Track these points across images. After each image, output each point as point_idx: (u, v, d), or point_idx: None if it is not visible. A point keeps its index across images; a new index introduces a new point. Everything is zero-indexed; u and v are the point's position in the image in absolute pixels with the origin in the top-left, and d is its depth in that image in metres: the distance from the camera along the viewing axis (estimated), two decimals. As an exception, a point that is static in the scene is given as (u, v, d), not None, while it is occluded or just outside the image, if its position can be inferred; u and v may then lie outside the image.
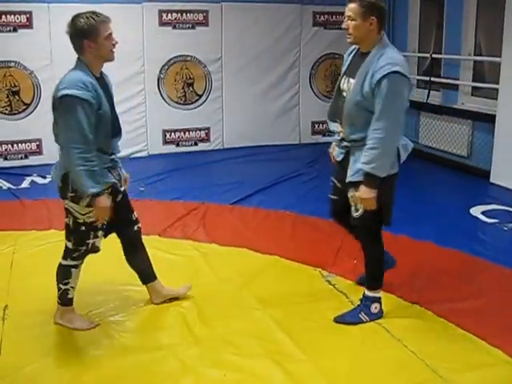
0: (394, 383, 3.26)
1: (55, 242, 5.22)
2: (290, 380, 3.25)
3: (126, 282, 4.38)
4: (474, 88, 8.00)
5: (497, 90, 7.15)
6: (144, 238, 5.34)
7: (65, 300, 3.82)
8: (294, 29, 9.21)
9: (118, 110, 8.37)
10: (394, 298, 4.20)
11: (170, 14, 8.44)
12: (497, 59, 7.13)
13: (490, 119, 7.28)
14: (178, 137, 8.90)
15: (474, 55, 7.90)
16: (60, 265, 3.78)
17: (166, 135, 8.84)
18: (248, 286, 4.42)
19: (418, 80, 9.03)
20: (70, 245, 3.72)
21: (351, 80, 3.68)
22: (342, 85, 3.80)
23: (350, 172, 3.72)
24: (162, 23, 8.46)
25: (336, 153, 3.97)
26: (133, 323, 3.93)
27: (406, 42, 9.10)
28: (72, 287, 3.80)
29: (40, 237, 5.41)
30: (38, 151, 8.25)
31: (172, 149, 8.86)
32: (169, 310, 4.06)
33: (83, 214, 3.59)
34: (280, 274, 4.67)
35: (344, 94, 3.75)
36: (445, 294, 4.24)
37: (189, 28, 8.59)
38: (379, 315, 3.90)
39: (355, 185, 3.66)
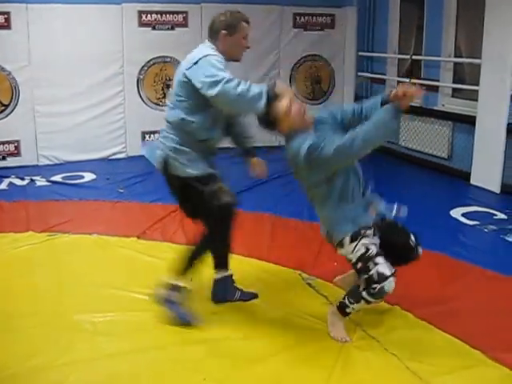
0: None
1: (33, 244, 5.29)
2: (269, 382, 3.25)
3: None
4: (454, 89, 8.06)
5: (477, 91, 7.18)
6: (122, 239, 5.34)
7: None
8: (274, 30, 9.22)
9: (96, 111, 8.42)
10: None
11: (149, 15, 8.41)
12: (477, 61, 7.17)
13: (470, 121, 7.32)
14: (158, 138, 8.83)
15: (454, 57, 7.96)
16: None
17: (145, 137, 8.79)
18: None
19: (398, 82, 9.05)
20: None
21: None
22: None
23: None
24: (142, 24, 8.42)
25: None
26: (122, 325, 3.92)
27: (386, 43, 9.15)
28: None
29: (18, 239, 5.36)
30: (16, 153, 8.16)
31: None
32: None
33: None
34: (259, 277, 4.64)
35: None
36: (425, 297, 4.24)
37: (168, 29, 8.56)
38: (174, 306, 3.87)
39: None
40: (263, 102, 3.56)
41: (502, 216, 6.07)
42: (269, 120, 3.63)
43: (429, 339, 3.70)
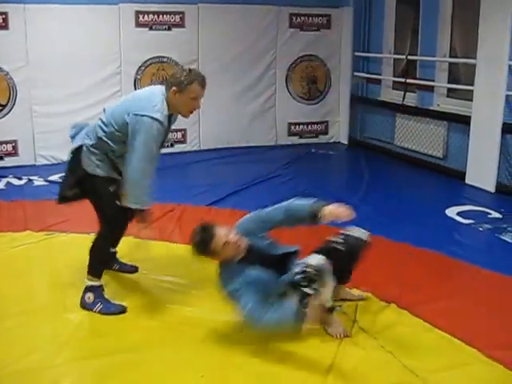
0: (371, 383, 3.26)
1: (31, 243, 5.29)
2: (267, 380, 3.26)
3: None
4: (449, 89, 8.08)
5: (472, 91, 7.21)
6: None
7: None
8: (271, 30, 9.23)
9: (93, 111, 8.44)
10: (371, 298, 4.21)
11: (146, 16, 8.42)
12: (472, 61, 7.19)
13: (465, 120, 7.35)
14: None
15: (450, 57, 7.99)
16: None
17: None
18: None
19: (393, 82, 9.09)
20: None
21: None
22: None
23: None
24: (139, 24, 8.43)
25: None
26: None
27: (382, 43, 9.17)
28: None
29: (16, 238, 5.37)
30: (14, 152, 8.17)
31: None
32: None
33: None
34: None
35: None
36: (421, 295, 4.25)
37: (165, 29, 8.57)
38: (95, 305, 4.04)
39: None
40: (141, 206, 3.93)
41: (496, 215, 6.10)
42: (207, 250, 3.61)
43: (425, 337, 3.72)
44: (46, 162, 8.25)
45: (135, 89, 8.58)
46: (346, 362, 3.44)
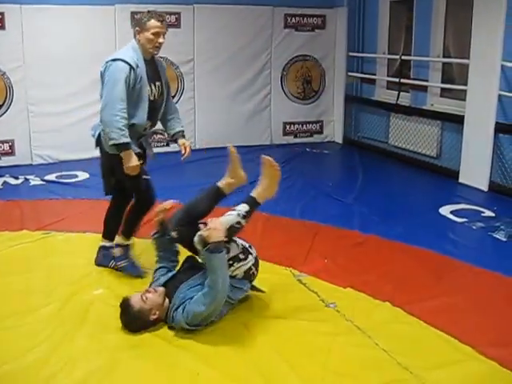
0: (365, 381, 3.27)
1: (27, 242, 5.30)
2: (263, 378, 3.26)
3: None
4: (442, 89, 8.13)
5: (465, 91, 7.25)
6: (117, 238, 5.36)
7: None
8: (266, 31, 9.27)
9: (90, 110, 8.43)
10: (366, 297, 4.24)
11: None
12: (465, 61, 7.24)
13: (458, 120, 7.38)
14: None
15: (443, 57, 8.02)
16: None
17: (137, 136, 8.83)
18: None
19: (387, 81, 9.14)
20: None
21: (156, 82, 4.42)
22: (149, 91, 4.33)
23: None
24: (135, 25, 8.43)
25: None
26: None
27: (376, 43, 9.21)
28: None
29: (12, 237, 5.38)
30: (11, 152, 8.19)
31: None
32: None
33: None
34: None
35: (153, 96, 4.38)
36: (415, 293, 4.28)
37: (161, 29, 8.59)
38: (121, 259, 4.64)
39: None
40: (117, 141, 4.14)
41: (489, 213, 6.14)
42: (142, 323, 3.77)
43: (419, 335, 3.74)
44: (42, 161, 8.28)
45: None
46: (340, 360, 3.46)
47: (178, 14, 8.66)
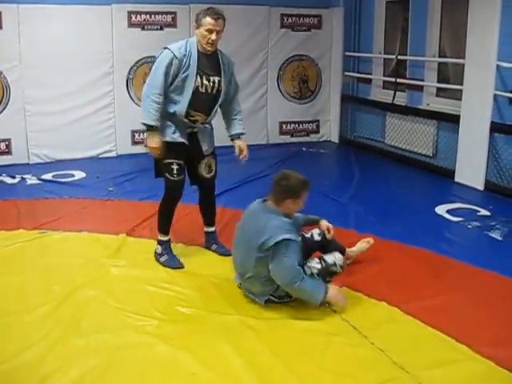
0: (362, 381, 3.27)
1: (24, 241, 5.28)
2: (259, 378, 3.27)
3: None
4: (438, 89, 8.14)
5: (461, 90, 7.26)
6: (112, 237, 5.36)
7: None
8: (262, 30, 9.28)
9: (86, 110, 8.39)
10: (362, 296, 4.24)
11: (138, 16, 8.45)
12: (460, 61, 7.26)
13: (454, 119, 7.40)
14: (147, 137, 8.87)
15: (439, 57, 8.04)
16: None
17: (134, 136, 8.85)
18: (216, 285, 4.44)
19: (384, 81, 9.15)
20: None
21: (213, 77, 4.58)
22: (199, 82, 4.52)
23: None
24: (131, 24, 8.46)
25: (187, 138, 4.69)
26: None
27: (372, 43, 9.23)
28: None
29: (9, 237, 5.37)
30: (7, 151, 8.19)
31: (141, 149, 8.84)
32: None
33: None
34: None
35: (205, 89, 4.56)
36: (412, 292, 4.28)
37: (157, 29, 8.61)
38: (161, 255, 4.85)
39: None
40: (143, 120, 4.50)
41: (485, 212, 6.15)
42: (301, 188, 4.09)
43: (415, 334, 3.74)
44: (39, 160, 8.28)
45: (127, 89, 8.62)
46: (336, 360, 3.46)
47: (174, 13, 8.66)
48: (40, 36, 7.95)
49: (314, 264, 4.10)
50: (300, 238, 4.13)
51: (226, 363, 3.42)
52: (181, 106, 4.51)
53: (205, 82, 4.51)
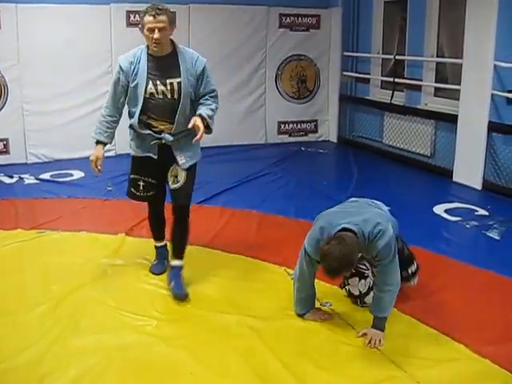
0: (359, 380, 3.28)
1: (22, 241, 5.28)
2: (257, 378, 3.27)
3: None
4: (436, 89, 8.15)
5: (459, 90, 7.28)
6: (110, 237, 5.34)
7: None
8: (261, 30, 9.29)
9: (85, 109, 8.37)
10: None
11: (137, 15, 8.42)
12: (458, 61, 7.26)
13: (452, 119, 7.41)
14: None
15: (437, 57, 8.05)
16: None
17: (132, 135, 8.83)
18: (214, 285, 4.45)
19: (382, 81, 9.16)
20: None
21: (169, 80, 4.09)
22: (152, 88, 4.09)
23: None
24: (130, 24, 8.45)
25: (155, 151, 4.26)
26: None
27: (371, 43, 9.23)
28: None
29: (7, 236, 5.36)
30: (5, 151, 8.19)
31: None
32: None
33: None
34: (245, 273, 4.68)
35: (162, 95, 4.10)
36: (409, 291, 4.26)
37: (156, 29, 8.59)
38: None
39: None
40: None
41: (483, 212, 6.17)
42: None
43: (413, 333, 3.75)
44: (37, 160, 8.28)
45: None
46: (334, 359, 3.47)
47: (173, 13, 8.59)
48: (38, 35, 7.96)
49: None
50: None
51: (225, 363, 3.43)
52: (134, 115, 4.16)
53: (160, 87, 4.05)
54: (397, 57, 8.55)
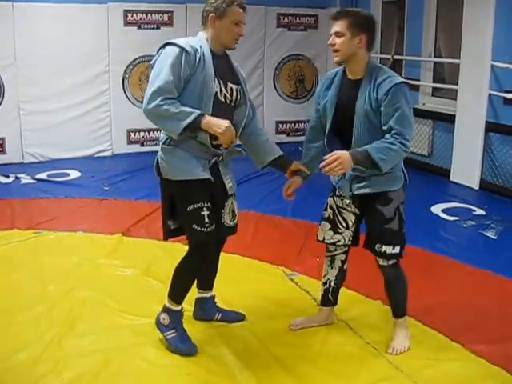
0: (357, 380, 3.28)
1: (18, 241, 5.27)
2: (255, 378, 3.27)
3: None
4: (434, 89, 8.16)
5: (456, 90, 7.30)
6: (107, 237, 5.33)
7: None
8: (259, 30, 9.30)
9: (82, 109, 8.35)
10: (357, 296, 4.26)
11: (135, 14, 8.45)
12: (456, 61, 7.28)
13: (449, 119, 7.43)
14: (143, 136, 8.90)
15: (434, 57, 8.06)
16: None
17: (130, 135, 8.84)
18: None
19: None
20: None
21: (230, 84, 3.45)
22: (217, 87, 3.35)
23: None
24: (127, 23, 8.46)
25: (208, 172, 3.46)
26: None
27: (369, 43, 9.21)
28: None
29: (3, 236, 5.35)
30: (1, 150, 8.18)
31: (136, 148, 8.85)
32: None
33: None
34: (242, 273, 4.67)
35: (224, 98, 3.40)
36: (407, 291, 4.30)
37: (154, 28, 8.61)
38: (168, 329, 3.55)
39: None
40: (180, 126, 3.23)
41: (480, 212, 6.19)
42: None
43: (410, 333, 3.71)
44: (33, 159, 8.27)
45: (123, 88, 8.62)
46: (331, 359, 3.47)
47: (171, 12, 8.67)
48: (35, 34, 7.94)
49: None
50: None
51: (222, 363, 3.42)
52: None
53: (222, 87, 3.36)
54: (395, 57, 8.55)
